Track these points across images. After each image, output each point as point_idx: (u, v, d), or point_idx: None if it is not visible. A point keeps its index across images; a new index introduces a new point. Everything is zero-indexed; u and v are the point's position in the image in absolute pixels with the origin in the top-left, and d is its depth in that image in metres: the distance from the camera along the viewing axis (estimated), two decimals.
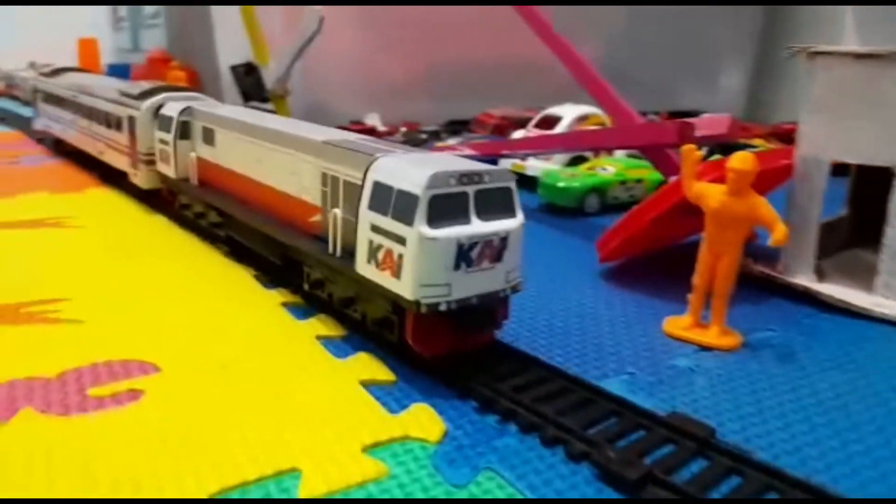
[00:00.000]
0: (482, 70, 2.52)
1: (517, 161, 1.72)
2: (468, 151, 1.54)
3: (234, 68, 2.44)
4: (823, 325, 0.93)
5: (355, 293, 0.82)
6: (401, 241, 0.69)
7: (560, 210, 1.51)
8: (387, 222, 0.71)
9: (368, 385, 0.72)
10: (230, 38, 2.52)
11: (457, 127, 2.33)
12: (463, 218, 0.70)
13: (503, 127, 2.16)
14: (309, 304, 0.93)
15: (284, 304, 0.93)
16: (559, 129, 1.68)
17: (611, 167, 1.51)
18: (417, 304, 0.68)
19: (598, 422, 0.65)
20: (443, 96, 2.48)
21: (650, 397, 0.72)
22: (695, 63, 3.09)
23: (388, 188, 0.71)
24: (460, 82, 2.50)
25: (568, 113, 1.71)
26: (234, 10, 2.07)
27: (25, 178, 1.71)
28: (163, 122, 1.26)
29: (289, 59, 1.84)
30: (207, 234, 1.20)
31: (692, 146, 0.85)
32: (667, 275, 1.09)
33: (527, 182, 1.72)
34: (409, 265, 0.68)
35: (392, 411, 0.68)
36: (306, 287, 0.91)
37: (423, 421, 0.66)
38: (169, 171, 1.25)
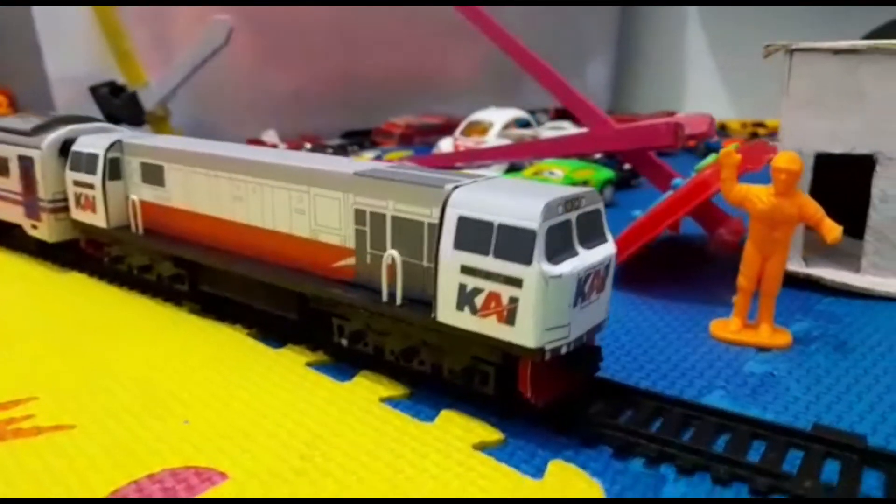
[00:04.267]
0: (370, 81, 2.42)
1: None
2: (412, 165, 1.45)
3: (94, 89, 2.13)
4: (838, 310, 0.97)
5: (419, 343, 0.72)
6: (513, 282, 0.61)
7: None
8: (488, 262, 0.62)
9: (483, 450, 0.63)
10: (64, 49, 2.20)
11: (359, 139, 2.21)
12: (570, 248, 0.63)
13: (409, 136, 2.08)
14: (337, 360, 0.81)
15: (310, 365, 0.81)
16: (492, 134, 1.64)
17: (558, 170, 1.49)
18: (541, 351, 0.61)
19: (748, 448, 0.62)
20: (334, 108, 2.34)
21: (765, 411, 0.70)
22: (565, 60, 3.20)
23: (485, 223, 0.62)
24: (350, 93, 2.38)
25: (497, 118, 1.67)
26: (66, 14, 1.78)
27: None
28: (79, 161, 1.05)
29: (181, 76, 1.63)
30: (158, 290, 1.02)
31: (731, 150, 0.84)
32: (676, 277, 1.09)
33: None
34: (530, 308, 0.60)
35: (531, 475, 0.59)
36: (343, 342, 0.79)
37: (575, 482, 0.58)
38: (96, 219, 1.04)
